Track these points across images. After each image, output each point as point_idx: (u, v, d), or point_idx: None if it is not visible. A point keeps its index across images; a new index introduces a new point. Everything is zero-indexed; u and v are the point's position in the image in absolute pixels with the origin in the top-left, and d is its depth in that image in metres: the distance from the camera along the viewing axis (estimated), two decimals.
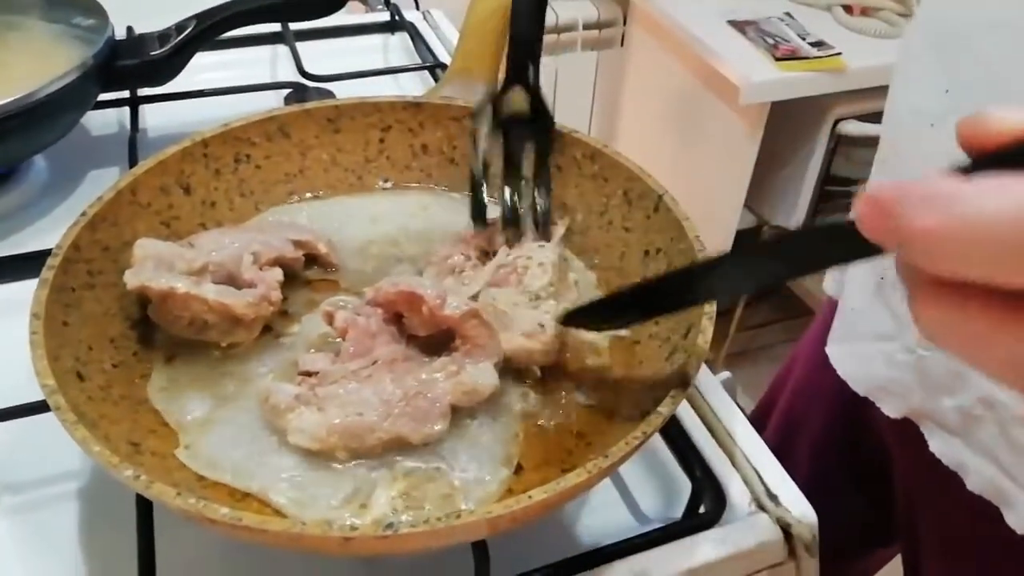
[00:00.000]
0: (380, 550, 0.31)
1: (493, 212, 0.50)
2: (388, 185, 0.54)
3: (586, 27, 1.55)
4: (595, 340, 0.45)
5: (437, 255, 0.47)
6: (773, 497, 0.42)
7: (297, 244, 0.46)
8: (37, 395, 0.39)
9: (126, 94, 0.65)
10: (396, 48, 0.81)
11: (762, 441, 0.45)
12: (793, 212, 1.33)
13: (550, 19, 1.52)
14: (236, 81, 0.69)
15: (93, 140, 0.67)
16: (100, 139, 0.67)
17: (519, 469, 0.39)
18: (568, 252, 0.50)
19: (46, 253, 0.40)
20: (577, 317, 0.40)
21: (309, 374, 0.40)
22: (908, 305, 0.19)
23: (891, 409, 0.53)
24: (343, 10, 0.67)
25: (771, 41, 1.22)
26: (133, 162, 0.59)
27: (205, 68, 0.67)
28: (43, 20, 0.62)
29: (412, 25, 0.82)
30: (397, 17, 0.83)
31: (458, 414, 0.39)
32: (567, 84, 1.61)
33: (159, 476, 0.32)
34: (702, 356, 0.37)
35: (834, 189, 1.30)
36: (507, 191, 0.49)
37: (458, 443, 0.39)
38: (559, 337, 0.42)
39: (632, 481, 0.43)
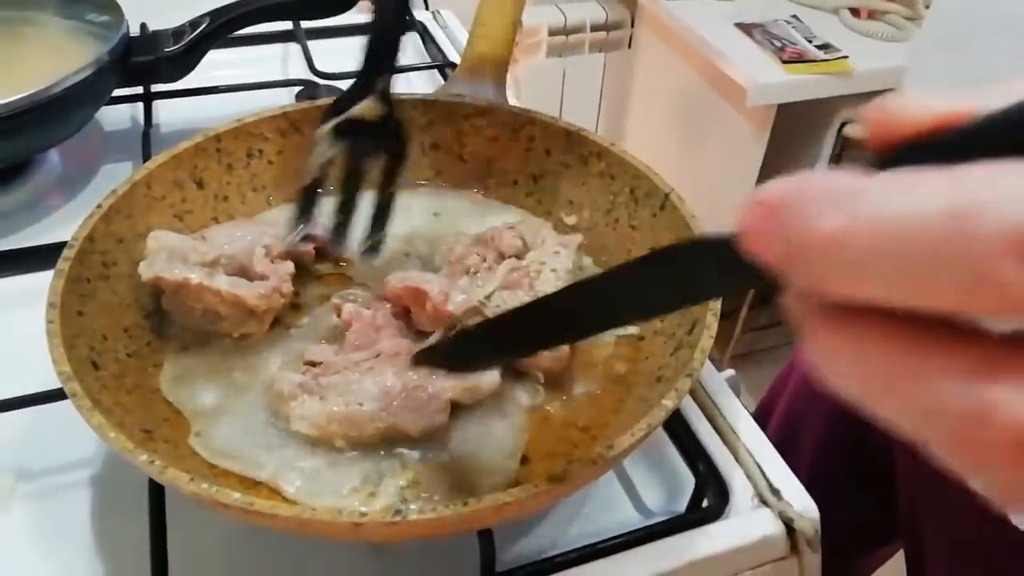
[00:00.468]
0: (389, 536, 0.32)
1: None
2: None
3: (594, 29, 1.56)
4: (601, 337, 0.45)
5: (453, 254, 0.47)
6: (776, 492, 0.42)
7: (309, 238, 0.47)
8: (50, 385, 0.41)
9: (140, 90, 0.66)
10: (406, 47, 0.82)
11: (765, 436, 0.45)
12: None
13: (558, 20, 1.53)
14: (248, 78, 0.70)
15: (106, 135, 0.67)
16: (113, 134, 0.68)
17: (525, 461, 0.39)
18: (586, 260, 0.50)
19: (60, 245, 0.41)
20: (431, 356, 0.37)
21: (314, 364, 0.41)
22: (804, 344, 0.16)
23: None
24: (354, 9, 0.68)
25: (778, 44, 1.22)
26: (147, 157, 0.59)
27: (217, 65, 0.68)
28: (58, 16, 0.63)
29: (422, 24, 0.82)
30: (407, 16, 0.83)
31: (465, 406, 0.40)
32: (574, 85, 1.62)
33: (172, 463, 0.32)
34: (706, 351, 0.38)
35: None
36: (336, 202, 0.46)
37: (465, 434, 0.40)
38: (568, 345, 0.43)
39: (636, 475, 0.44)
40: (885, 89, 0.53)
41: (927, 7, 0.49)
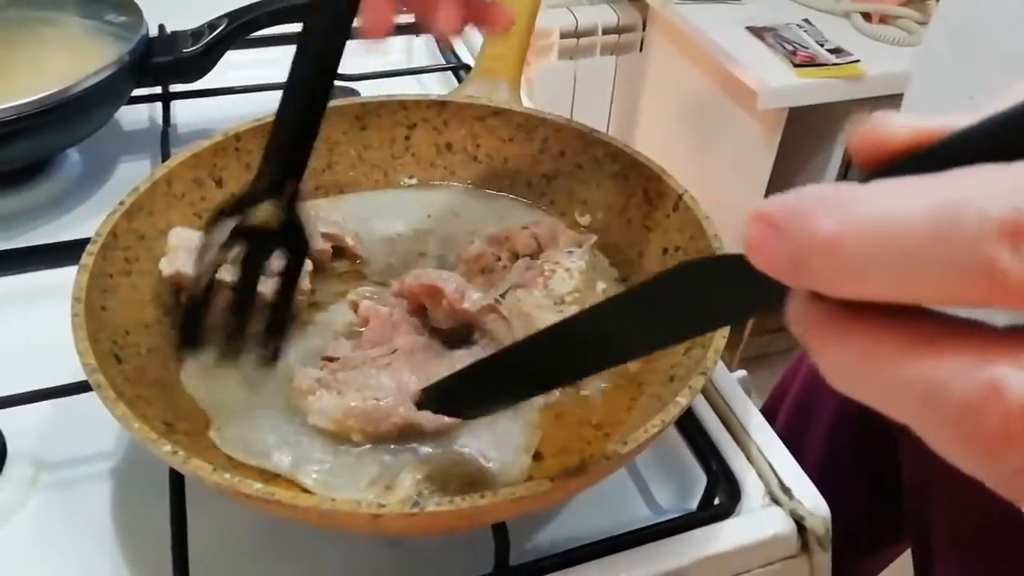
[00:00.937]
0: (406, 528, 0.32)
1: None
2: (413, 181, 0.55)
3: (605, 32, 1.56)
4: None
5: (468, 253, 0.48)
6: (787, 490, 0.43)
7: (325, 236, 0.48)
8: (71, 378, 0.41)
9: (158, 90, 0.67)
10: (420, 49, 0.83)
11: (776, 436, 0.46)
12: None
13: (570, 23, 1.54)
14: (264, 79, 0.71)
15: (125, 134, 0.68)
16: (132, 133, 0.69)
17: (538, 457, 0.40)
18: (601, 259, 0.51)
19: (81, 242, 0.42)
20: (434, 398, 0.34)
21: (332, 359, 0.41)
22: (811, 354, 0.16)
23: None
24: None
25: (790, 47, 1.23)
26: (165, 156, 0.60)
27: (234, 66, 0.69)
28: (78, 16, 0.64)
29: None
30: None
31: None
32: (586, 88, 1.62)
33: (193, 455, 0.33)
34: (719, 350, 0.38)
35: None
36: (228, 309, 0.41)
37: (479, 431, 0.40)
38: None
39: (649, 473, 0.44)
40: (897, 93, 0.53)
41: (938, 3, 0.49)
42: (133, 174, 0.64)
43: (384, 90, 0.62)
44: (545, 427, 0.41)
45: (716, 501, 0.42)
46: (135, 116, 0.69)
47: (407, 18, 0.86)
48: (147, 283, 0.44)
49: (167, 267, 0.42)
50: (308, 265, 0.46)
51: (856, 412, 0.62)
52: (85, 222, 0.58)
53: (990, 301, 0.13)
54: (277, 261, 0.42)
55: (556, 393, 0.43)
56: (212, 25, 0.64)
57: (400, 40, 0.84)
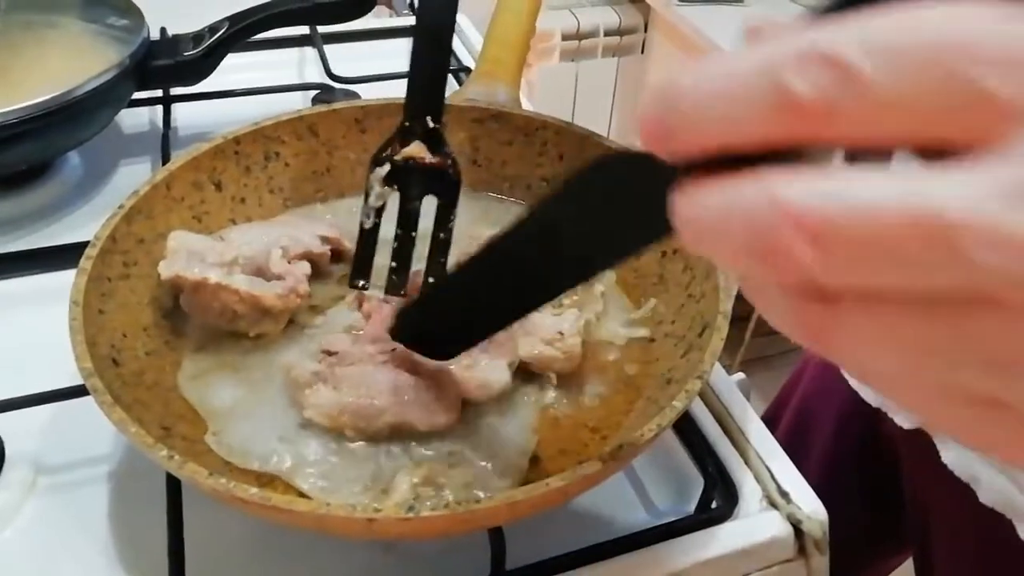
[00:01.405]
0: (402, 532, 0.32)
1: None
2: None
3: (607, 33, 1.56)
4: (612, 338, 0.46)
5: (465, 256, 0.48)
6: (784, 494, 0.43)
7: (324, 240, 0.48)
8: (70, 381, 0.41)
9: (159, 93, 0.67)
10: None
11: (773, 439, 0.45)
12: None
13: (572, 25, 1.54)
14: (265, 82, 0.71)
15: (126, 137, 0.69)
16: (132, 136, 0.69)
17: (536, 460, 0.40)
18: None
19: (80, 245, 0.42)
20: (404, 330, 0.37)
21: (331, 353, 0.42)
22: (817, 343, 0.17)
23: (904, 419, 0.53)
24: (369, 14, 0.68)
25: None
26: (165, 159, 0.60)
27: (235, 69, 0.69)
28: (80, 19, 0.64)
29: None
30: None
31: (477, 405, 0.40)
32: (587, 90, 1.62)
33: (189, 459, 0.33)
34: (716, 353, 0.38)
35: None
36: (394, 248, 0.45)
37: (477, 433, 0.40)
38: (579, 346, 0.43)
39: (646, 476, 0.44)
40: None
41: None
42: (133, 177, 0.64)
43: (385, 92, 0.62)
44: (542, 430, 0.41)
45: (713, 504, 0.42)
46: (135, 119, 0.70)
47: (409, 20, 0.87)
48: (145, 286, 0.44)
49: (166, 270, 0.42)
50: (306, 268, 0.46)
51: (857, 428, 0.62)
52: (85, 225, 0.58)
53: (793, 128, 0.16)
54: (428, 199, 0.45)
55: (553, 395, 0.43)
56: (213, 28, 0.64)
57: (402, 42, 0.84)
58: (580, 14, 1.55)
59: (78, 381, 0.37)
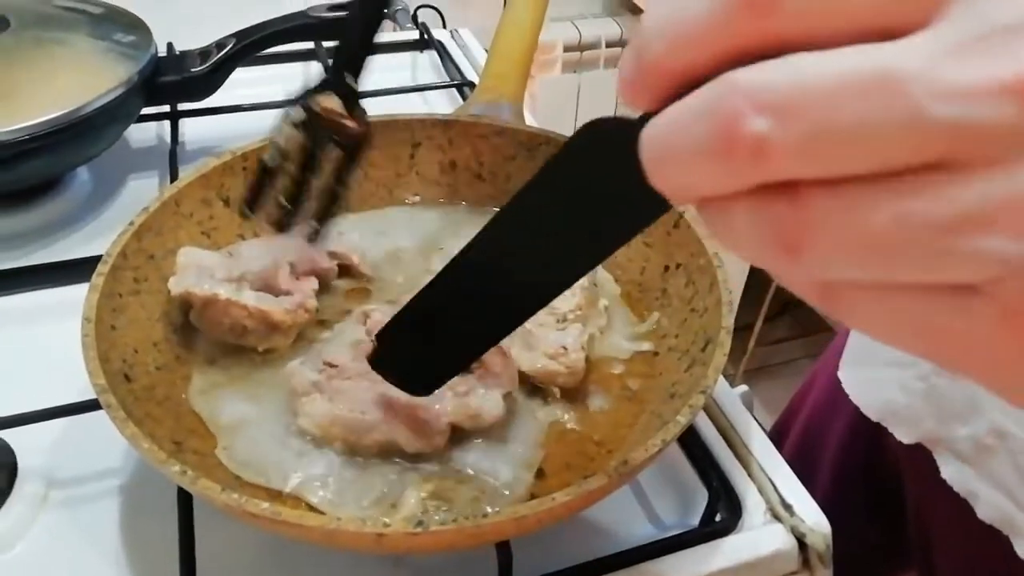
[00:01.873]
0: (411, 547, 0.33)
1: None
2: (417, 199, 0.56)
3: (609, 45, 1.57)
4: (616, 352, 0.46)
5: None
6: (788, 507, 0.43)
7: (331, 255, 0.49)
8: (79, 394, 0.42)
9: (166, 108, 0.68)
10: (424, 66, 0.84)
11: (777, 452, 0.46)
12: None
13: (574, 36, 1.55)
14: (270, 96, 0.72)
15: (134, 152, 0.69)
16: (140, 151, 0.69)
17: (541, 474, 0.40)
18: (602, 274, 0.51)
19: (90, 260, 0.43)
20: (384, 363, 0.35)
21: (332, 365, 0.42)
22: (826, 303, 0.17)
23: (904, 435, 0.53)
24: None
25: None
26: (173, 173, 0.61)
27: (241, 83, 0.69)
28: (89, 36, 0.65)
29: (440, 44, 0.84)
30: (426, 36, 0.85)
31: None
32: (589, 101, 1.63)
33: (201, 474, 0.33)
34: (720, 368, 0.39)
35: None
36: (284, 184, 0.47)
37: (483, 448, 0.41)
38: (583, 360, 0.44)
39: (651, 489, 0.45)
40: None
41: None
42: (142, 192, 0.65)
43: (389, 107, 0.63)
44: (548, 444, 0.42)
45: (718, 517, 0.42)
46: (144, 134, 0.70)
47: (412, 34, 0.87)
48: (156, 302, 0.44)
49: (176, 286, 0.43)
50: (314, 283, 0.47)
51: (863, 446, 0.62)
52: (95, 240, 0.59)
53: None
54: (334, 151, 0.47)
55: (558, 410, 0.43)
56: (220, 44, 0.64)
57: (405, 57, 0.85)
58: (582, 26, 1.56)
59: (89, 395, 0.37)
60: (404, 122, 0.55)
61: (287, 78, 0.79)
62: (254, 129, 0.54)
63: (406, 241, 0.53)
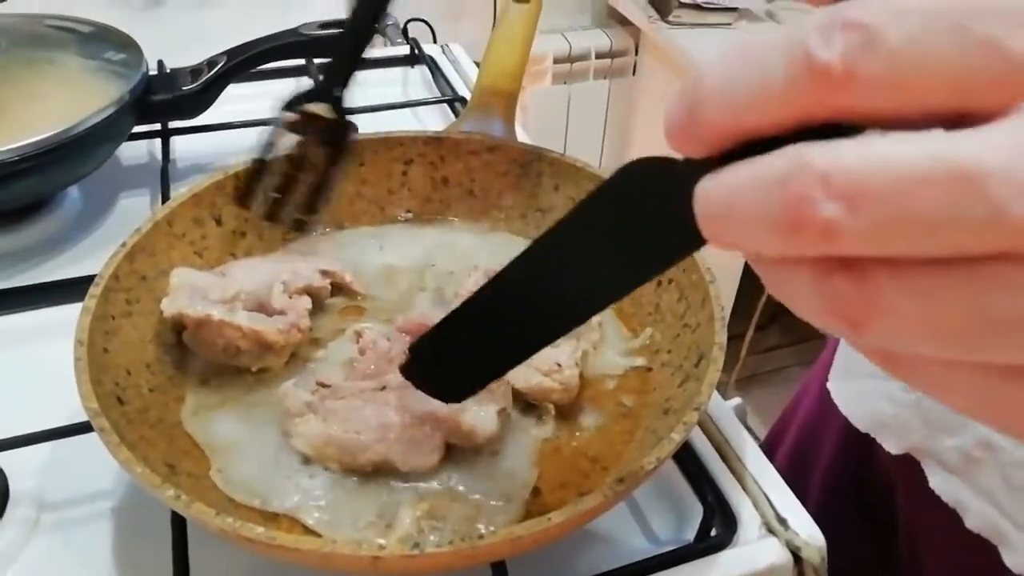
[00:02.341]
0: (407, 569, 0.33)
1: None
2: (409, 216, 0.56)
3: (598, 56, 1.58)
4: (609, 368, 0.46)
5: (464, 289, 0.48)
6: (782, 521, 0.43)
7: (324, 273, 0.49)
8: (71, 415, 0.42)
9: (158, 126, 0.68)
10: (415, 81, 0.84)
11: (772, 466, 0.46)
12: None
13: (564, 48, 1.55)
14: (261, 112, 0.71)
15: (125, 170, 0.69)
16: (131, 169, 0.69)
17: (536, 492, 0.40)
18: None
19: (82, 280, 0.43)
20: (416, 370, 0.35)
21: (324, 385, 0.42)
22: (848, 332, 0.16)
23: (892, 445, 0.53)
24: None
25: None
26: (165, 191, 0.61)
27: (231, 100, 0.69)
28: (79, 56, 0.65)
29: (431, 59, 0.84)
30: (416, 51, 0.85)
31: None
32: (579, 112, 1.64)
33: (195, 496, 0.33)
34: (713, 384, 0.39)
35: None
36: (279, 180, 0.51)
37: (478, 466, 0.41)
38: (577, 376, 0.44)
39: (645, 504, 0.45)
40: None
41: None
42: (133, 210, 0.65)
43: (380, 122, 0.63)
44: (542, 462, 0.42)
45: (713, 532, 0.42)
46: (135, 152, 0.70)
47: (403, 49, 0.88)
48: (148, 323, 0.44)
49: (169, 308, 0.43)
50: (307, 302, 0.47)
51: (854, 456, 0.62)
52: (86, 259, 0.59)
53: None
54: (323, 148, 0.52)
55: (553, 426, 0.43)
56: (211, 62, 0.65)
57: (396, 72, 0.85)
58: (572, 38, 1.57)
59: (81, 417, 0.37)
60: (396, 139, 0.55)
61: (278, 95, 0.79)
62: (246, 146, 0.54)
63: (399, 258, 0.53)
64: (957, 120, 0.15)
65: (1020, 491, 0.45)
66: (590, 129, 1.69)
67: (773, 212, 0.15)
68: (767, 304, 1.52)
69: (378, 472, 0.40)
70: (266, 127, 0.52)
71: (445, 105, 0.76)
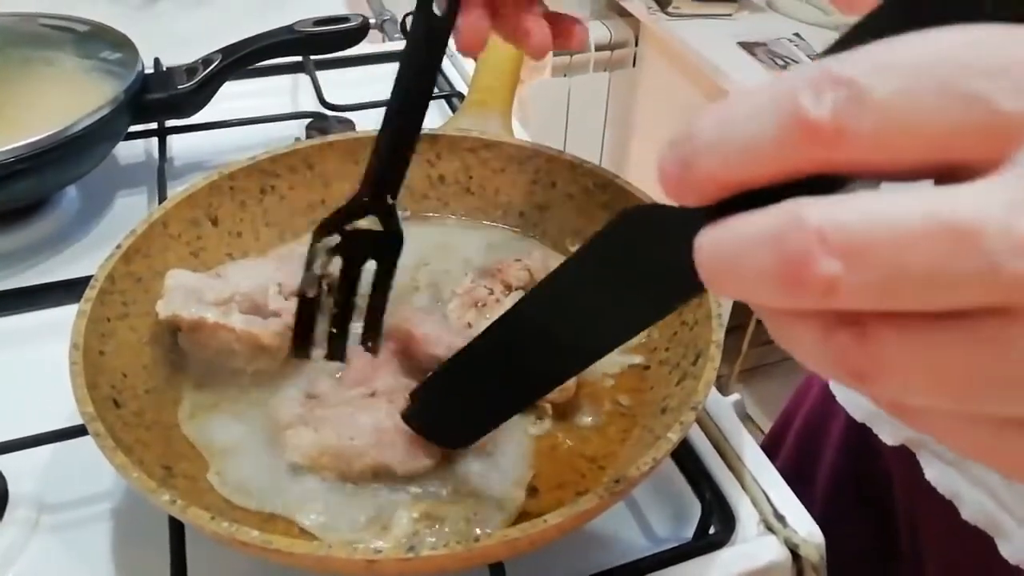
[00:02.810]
0: (403, 572, 0.33)
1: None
2: (406, 214, 0.56)
3: (598, 48, 1.57)
4: (606, 366, 0.46)
5: (461, 287, 0.48)
6: (781, 518, 0.43)
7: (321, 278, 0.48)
8: (69, 417, 0.42)
9: (154, 125, 0.68)
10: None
11: (770, 463, 0.46)
12: None
13: None
14: (258, 110, 0.71)
15: (121, 169, 0.69)
16: (128, 168, 0.69)
17: (533, 492, 0.40)
18: None
19: (79, 281, 0.42)
20: (421, 413, 0.35)
21: (313, 396, 0.42)
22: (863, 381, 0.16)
23: (888, 436, 0.53)
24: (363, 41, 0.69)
25: (780, 62, 1.24)
26: (162, 190, 0.61)
27: (228, 97, 0.69)
28: (75, 55, 0.65)
29: None
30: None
31: None
32: (579, 104, 1.63)
33: (191, 499, 0.33)
34: (710, 383, 0.39)
35: None
36: (334, 313, 0.45)
37: (474, 466, 0.40)
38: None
39: (644, 502, 0.45)
40: None
41: None
42: (130, 209, 0.65)
43: (378, 118, 0.63)
44: (539, 461, 0.42)
45: (711, 530, 0.42)
46: (131, 151, 0.70)
47: (394, 46, 0.87)
48: (144, 325, 0.44)
49: (164, 310, 0.43)
50: None
51: (856, 449, 0.62)
52: (84, 259, 0.59)
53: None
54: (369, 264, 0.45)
55: (549, 425, 0.43)
56: (207, 61, 0.64)
57: (394, 68, 0.84)
58: None
59: (78, 419, 0.37)
60: None
61: (274, 91, 0.79)
62: (242, 144, 0.54)
63: None
64: (947, 172, 0.15)
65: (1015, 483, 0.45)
66: (591, 122, 1.69)
67: (773, 267, 0.16)
68: None
69: (374, 476, 0.40)
70: (307, 254, 0.44)
71: (442, 101, 0.76)
